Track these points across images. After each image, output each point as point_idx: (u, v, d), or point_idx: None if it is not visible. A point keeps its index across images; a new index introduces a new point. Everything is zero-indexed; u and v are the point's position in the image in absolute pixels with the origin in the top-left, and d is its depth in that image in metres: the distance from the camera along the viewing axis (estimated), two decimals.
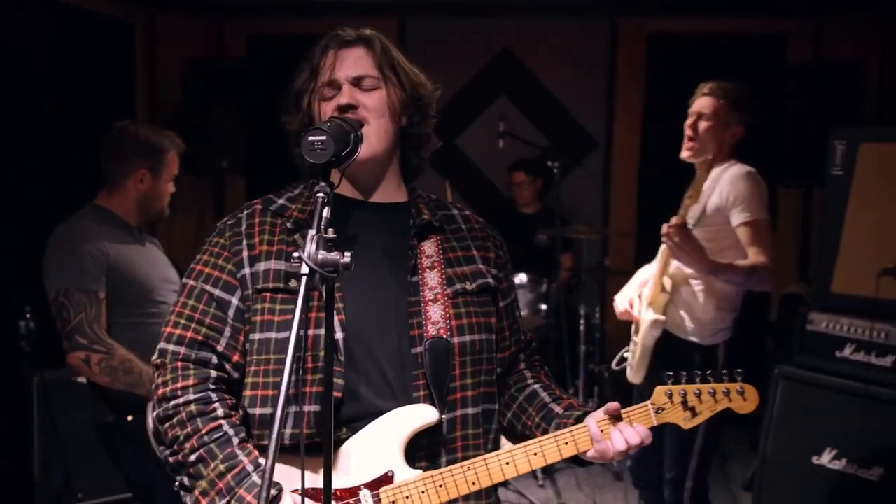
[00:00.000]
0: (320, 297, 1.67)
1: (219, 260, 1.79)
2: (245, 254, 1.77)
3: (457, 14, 6.12)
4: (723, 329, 3.18)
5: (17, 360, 4.17)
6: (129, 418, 2.90)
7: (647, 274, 3.49)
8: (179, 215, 5.95)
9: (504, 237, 6.11)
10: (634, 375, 3.38)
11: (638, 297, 3.37)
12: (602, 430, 1.72)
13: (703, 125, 3.21)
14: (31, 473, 4.06)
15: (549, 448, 1.71)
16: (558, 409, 1.85)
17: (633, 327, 3.41)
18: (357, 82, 1.75)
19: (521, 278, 5.13)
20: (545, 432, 1.80)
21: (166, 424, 1.71)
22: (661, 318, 3.16)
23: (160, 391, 1.73)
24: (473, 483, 1.68)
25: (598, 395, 5.27)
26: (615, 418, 1.74)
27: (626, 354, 3.42)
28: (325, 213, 1.49)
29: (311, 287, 1.44)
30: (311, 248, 1.43)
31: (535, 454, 1.71)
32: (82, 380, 4.10)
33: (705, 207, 3.14)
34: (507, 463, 1.69)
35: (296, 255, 1.43)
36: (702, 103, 3.24)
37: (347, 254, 1.44)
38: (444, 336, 1.74)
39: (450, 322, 1.76)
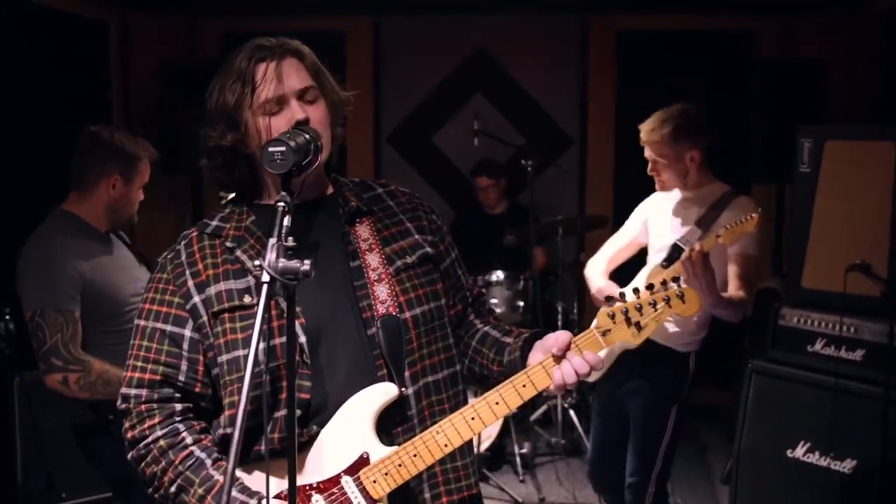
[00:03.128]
0: (278, 306, 1.72)
1: (165, 295, 1.81)
2: (191, 283, 1.79)
3: (431, 12, 6.15)
4: (696, 340, 3.30)
5: None
6: (111, 417, 2.91)
7: (615, 247, 3.57)
8: (157, 214, 5.93)
9: (475, 238, 6.10)
10: (594, 374, 3.44)
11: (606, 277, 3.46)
12: (553, 365, 1.73)
13: (661, 167, 3.32)
14: (13, 474, 4.06)
15: (509, 395, 1.73)
16: (509, 340, 1.91)
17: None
18: (302, 95, 1.78)
19: (497, 275, 5.18)
20: (500, 364, 1.87)
21: (142, 464, 1.77)
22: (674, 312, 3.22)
23: (129, 434, 1.78)
24: (446, 445, 1.72)
25: (575, 391, 5.34)
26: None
27: None
28: (286, 221, 1.54)
29: (270, 296, 1.48)
30: (271, 256, 1.48)
31: (497, 403, 1.73)
32: None
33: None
34: (473, 418, 1.72)
35: (256, 263, 1.49)
36: (649, 150, 3.34)
37: (307, 261, 1.49)
38: (394, 313, 1.79)
39: (397, 298, 1.81)
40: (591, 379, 3.43)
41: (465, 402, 1.90)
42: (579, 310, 5.52)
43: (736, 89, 5.52)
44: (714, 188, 3.34)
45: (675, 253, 3.20)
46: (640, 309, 1.77)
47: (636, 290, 1.79)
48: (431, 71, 6.25)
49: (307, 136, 1.67)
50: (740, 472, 3.49)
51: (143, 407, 1.77)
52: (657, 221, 3.47)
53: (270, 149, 1.59)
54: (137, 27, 6.03)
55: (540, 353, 1.77)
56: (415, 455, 1.72)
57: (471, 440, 1.82)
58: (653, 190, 3.52)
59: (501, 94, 6.23)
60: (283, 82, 1.75)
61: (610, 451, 3.50)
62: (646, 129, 3.33)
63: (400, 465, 1.71)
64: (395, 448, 1.73)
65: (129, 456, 1.79)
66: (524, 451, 4.85)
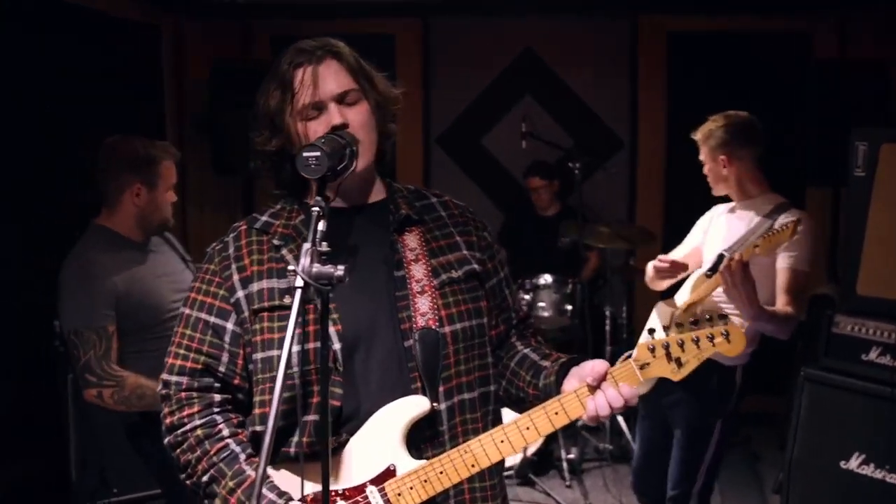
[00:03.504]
0: (316, 310, 1.71)
1: (211, 286, 1.82)
2: (236, 277, 1.80)
3: (479, 13, 6.14)
4: (744, 354, 3.21)
5: (51, 359, 4.27)
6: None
7: (678, 255, 3.50)
8: (209, 215, 6.05)
9: (527, 241, 6.02)
10: (641, 387, 3.40)
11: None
12: (588, 395, 1.71)
13: (706, 171, 3.34)
14: (67, 470, 4.14)
15: (540, 421, 1.71)
16: (546, 363, 1.88)
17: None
18: (341, 98, 1.77)
19: (545, 279, 5.14)
20: (536, 388, 1.84)
21: (177, 451, 1.79)
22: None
23: (168, 420, 1.81)
24: (472, 465, 1.70)
25: None
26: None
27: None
28: (321, 226, 1.54)
29: (306, 300, 1.50)
30: (305, 261, 1.48)
31: (528, 428, 1.71)
32: None
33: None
34: (502, 441, 1.71)
35: (290, 268, 1.49)
36: (702, 153, 3.35)
37: (341, 267, 1.49)
38: (434, 326, 1.77)
39: (438, 312, 1.79)
40: (642, 391, 3.39)
41: (499, 422, 1.88)
42: (628, 314, 5.45)
43: (791, 92, 5.42)
44: (767, 199, 3.28)
45: (719, 262, 3.13)
46: (682, 345, 1.73)
47: (679, 325, 1.75)
48: (480, 72, 6.23)
49: (342, 141, 1.67)
50: (792, 483, 3.40)
51: (182, 394, 1.80)
52: (712, 232, 3.43)
53: (304, 154, 1.58)
54: (189, 30, 6.12)
55: (575, 380, 1.74)
56: (441, 472, 1.70)
57: (500, 462, 1.80)
58: (704, 193, 3.47)
59: (550, 96, 6.18)
60: (320, 87, 1.75)
61: (654, 460, 3.45)
62: (697, 130, 3.35)
63: (425, 481, 1.70)
64: (422, 462, 1.72)
65: (165, 441, 1.81)
66: (571, 456, 4.81)
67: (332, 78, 1.76)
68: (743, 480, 4.80)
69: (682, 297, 3.29)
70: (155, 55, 5.95)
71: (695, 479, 3.26)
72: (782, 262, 3.10)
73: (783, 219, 3.14)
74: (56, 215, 4.46)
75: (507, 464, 4.66)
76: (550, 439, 4.88)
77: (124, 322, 2.91)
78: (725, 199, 3.44)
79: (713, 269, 3.14)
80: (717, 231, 3.39)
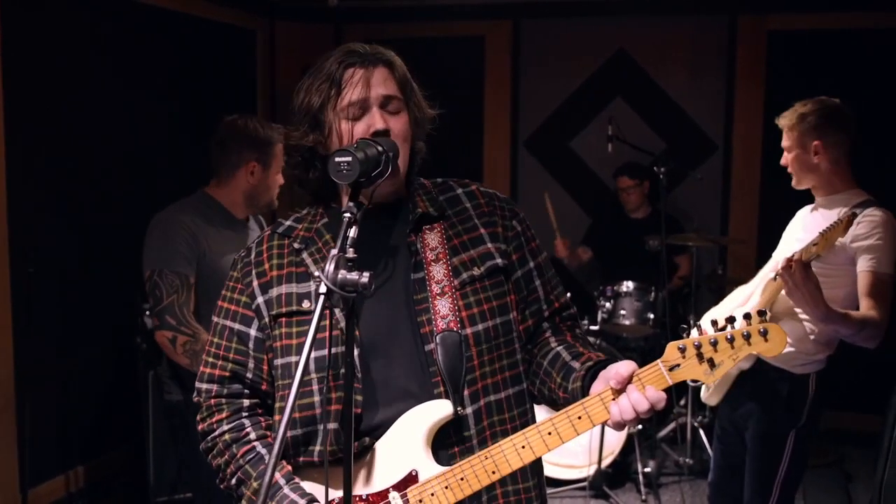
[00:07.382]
0: (333, 316, 1.70)
1: (234, 294, 1.84)
2: (255, 283, 1.80)
3: (571, 15, 6.05)
4: (815, 361, 3.01)
5: (134, 356, 4.41)
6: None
7: (741, 297, 3.31)
8: (294, 211, 6.15)
9: (614, 243, 5.85)
10: (711, 398, 3.26)
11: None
12: (612, 399, 1.62)
13: (788, 158, 3.10)
14: (147, 464, 4.26)
15: (562, 426, 1.63)
16: (576, 364, 1.80)
17: None
18: (385, 104, 1.75)
19: (627, 286, 5.01)
20: (566, 391, 1.76)
21: (209, 456, 1.83)
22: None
23: (200, 426, 1.84)
24: (493, 472, 1.65)
25: (709, 409, 5.10)
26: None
27: None
28: (352, 232, 1.51)
29: (328, 306, 1.47)
30: (330, 267, 1.45)
31: (550, 433, 1.64)
32: None
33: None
34: (523, 447, 1.64)
35: (315, 274, 1.47)
36: (784, 138, 3.12)
37: (366, 274, 1.45)
38: (455, 328, 1.72)
39: (459, 314, 1.74)
40: (712, 403, 3.27)
41: (533, 420, 1.83)
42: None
43: None
44: (849, 195, 3.03)
45: None
46: (714, 344, 1.60)
47: (714, 322, 1.62)
48: (570, 74, 6.14)
49: (379, 148, 1.64)
50: None
51: (212, 401, 1.83)
52: (788, 233, 3.24)
53: (337, 159, 1.56)
54: (282, 34, 6.25)
55: (602, 383, 1.65)
56: (461, 479, 1.65)
57: (537, 461, 1.74)
58: (803, 201, 3.27)
59: (642, 98, 6.04)
60: (369, 88, 1.74)
61: (729, 474, 3.29)
62: (782, 115, 3.14)
63: (447, 487, 1.66)
64: (443, 468, 1.68)
65: (200, 447, 1.85)
66: (648, 469, 4.65)
67: (381, 82, 1.75)
68: (835, 501, 4.56)
69: (753, 303, 3.12)
70: (249, 58, 6.10)
71: (769, 493, 3.08)
72: (862, 264, 2.88)
73: (862, 218, 2.91)
74: (149, 216, 4.62)
75: (581, 475, 4.56)
76: (627, 451, 4.74)
77: (199, 285, 2.96)
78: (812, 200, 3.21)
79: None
80: (792, 231, 3.20)
